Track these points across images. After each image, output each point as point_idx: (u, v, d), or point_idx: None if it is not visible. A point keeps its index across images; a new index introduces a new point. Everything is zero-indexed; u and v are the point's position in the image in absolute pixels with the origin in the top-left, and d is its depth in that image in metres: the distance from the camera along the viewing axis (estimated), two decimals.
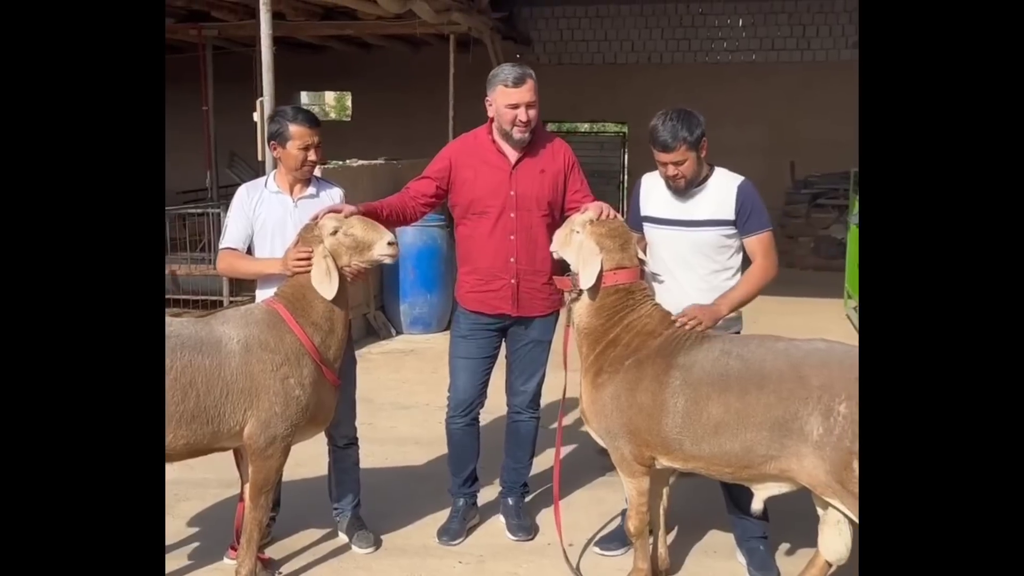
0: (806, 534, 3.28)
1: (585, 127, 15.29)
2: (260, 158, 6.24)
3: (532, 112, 3.45)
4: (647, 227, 3.41)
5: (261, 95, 6.11)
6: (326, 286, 3.13)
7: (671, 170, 3.26)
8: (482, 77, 3.65)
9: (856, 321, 7.72)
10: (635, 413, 3.04)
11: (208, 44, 10.07)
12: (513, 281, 3.57)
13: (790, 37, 12.35)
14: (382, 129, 12.75)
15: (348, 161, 8.24)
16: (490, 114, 3.54)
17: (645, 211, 3.45)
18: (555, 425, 3.73)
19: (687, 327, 3.10)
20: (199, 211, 8.43)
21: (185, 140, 11.90)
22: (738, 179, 3.34)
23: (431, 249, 7.48)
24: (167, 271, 8.04)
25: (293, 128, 3.40)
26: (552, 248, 3.37)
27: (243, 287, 8.44)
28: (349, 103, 15.05)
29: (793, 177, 12.02)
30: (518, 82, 3.41)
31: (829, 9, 12.15)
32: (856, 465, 2.65)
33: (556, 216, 3.61)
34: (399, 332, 7.69)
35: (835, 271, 9.72)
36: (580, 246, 3.18)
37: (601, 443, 3.26)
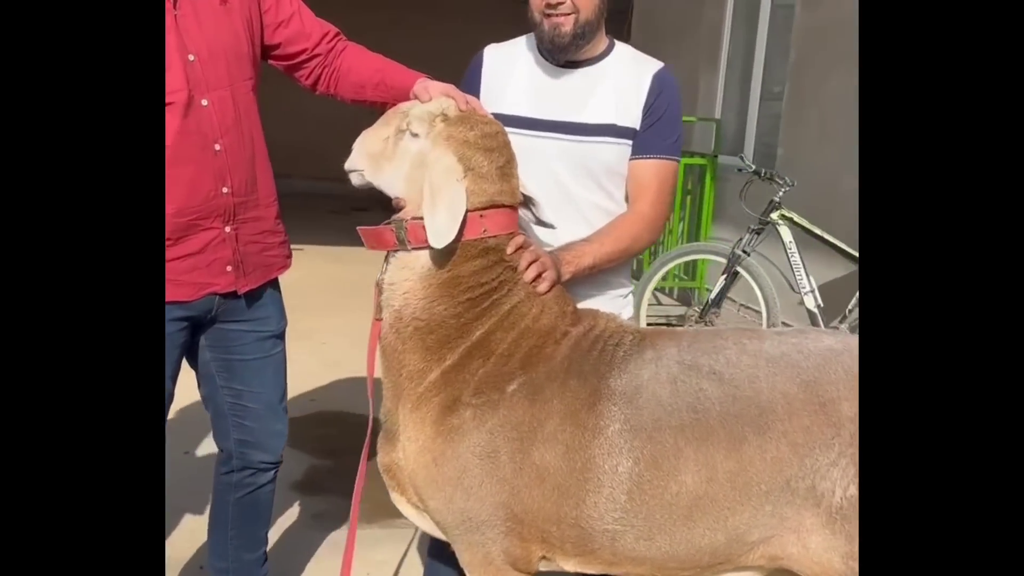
0: None
1: None
2: None
3: None
4: None
5: None
6: None
7: None
8: None
9: None
10: (527, 484, 1.71)
11: None
12: (229, 229, 2.06)
13: None
14: None
15: None
16: None
17: (498, 107, 2.11)
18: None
19: (532, 280, 1.79)
20: None
21: None
22: (656, 65, 2.18)
23: None
24: None
25: None
26: (350, 166, 1.90)
27: None
28: None
29: None
30: None
31: None
32: None
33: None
34: None
35: None
36: (422, 162, 1.78)
37: (437, 534, 1.88)
